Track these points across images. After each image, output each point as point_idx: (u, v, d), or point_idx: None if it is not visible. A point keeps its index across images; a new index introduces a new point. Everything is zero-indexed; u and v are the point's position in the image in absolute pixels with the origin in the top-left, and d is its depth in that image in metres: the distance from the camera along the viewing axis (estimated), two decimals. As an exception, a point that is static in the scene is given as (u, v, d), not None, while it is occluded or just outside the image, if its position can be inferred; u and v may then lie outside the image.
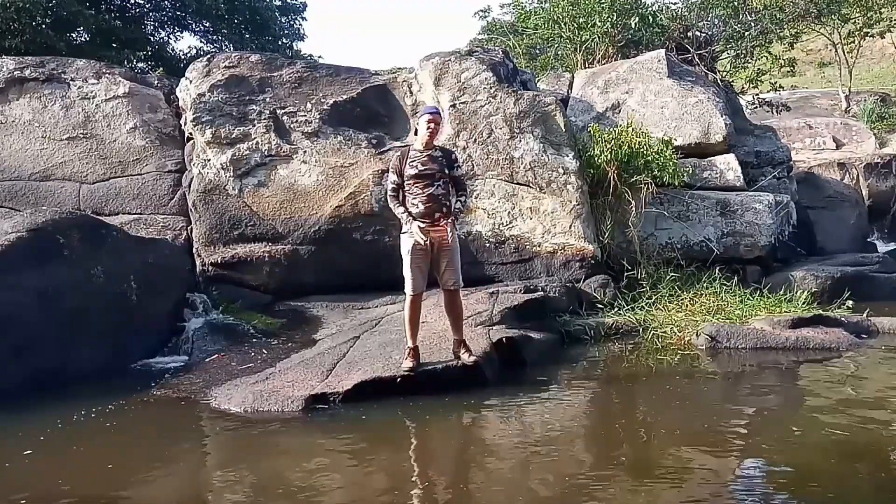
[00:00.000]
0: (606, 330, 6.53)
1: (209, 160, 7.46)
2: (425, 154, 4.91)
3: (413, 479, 3.62)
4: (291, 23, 18.47)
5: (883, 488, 3.25)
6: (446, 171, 4.93)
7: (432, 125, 4.90)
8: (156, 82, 8.32)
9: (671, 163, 7.69)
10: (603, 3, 10.77)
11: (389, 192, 4.99)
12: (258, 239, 7.32)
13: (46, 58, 8.29)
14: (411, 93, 8.04)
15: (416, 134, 5.11)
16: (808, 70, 23.61)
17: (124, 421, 4.54)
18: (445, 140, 7.42)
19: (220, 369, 5.53)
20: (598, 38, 10.77)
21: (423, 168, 4.86)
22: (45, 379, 5.07)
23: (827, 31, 18.23)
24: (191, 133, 7.68)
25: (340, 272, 7.29)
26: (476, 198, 7.50)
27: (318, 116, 7.64)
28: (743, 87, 12.87)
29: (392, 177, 4.97)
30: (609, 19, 10.62)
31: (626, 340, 6.41)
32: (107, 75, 7.99)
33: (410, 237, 4.88)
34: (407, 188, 4.91)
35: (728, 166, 8.60)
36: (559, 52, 12.49)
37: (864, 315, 6.59)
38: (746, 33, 11.56)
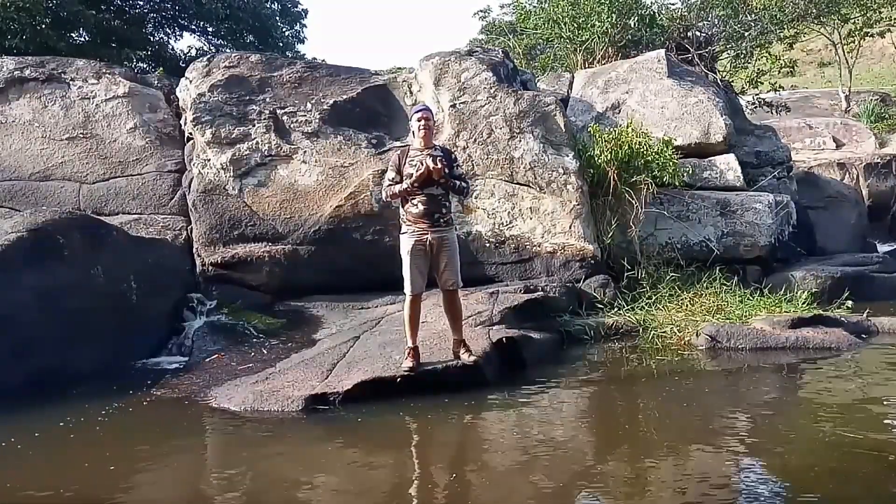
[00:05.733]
0: (606, 330, 6.53)
1: (209, 160, 7.46)
2: (425, 153, 4.91)
3: (413, 478, 3.62)
4: (292, 26, 18.45)
5: (883, 489, 3.25)
6: (446, 171, 4.93)
7: (423, 122, 4.94)
8: (156, 82, 8.31)
9: (671, 163, 7.68)
10: (603, 3, 10.77)
11: (385, 185, 5.00)
12: (258, 239, 7.32)
13: (46, 58, 8.28)
14: (411, 93, 8.04)
15: (413, 136, 5.13)
16: (808, 70, 23.61)
17: (124, 421, 4.55)
18: (445, 140, 7.43)
19: (220, 369, 5.53)
20: (598, 38, 10.76)
21: (422, 167, 4.86)
22: (45, 379, 5.08)
23: (827, 31, 18.23)
24: (191, 133, 7.67)
25: (340, 272, 7.29)
26: (476, 198, 7.50)
27: (318, 116, 7.64)
28: (743, 88, 12.87)
29: (390, 174, 4.98)
30: (609, 19, 10.62)
31: (626, 340, 6.41)
32: (107, 75, 7.99)
33: (410, 237, 4.89)
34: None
35: (728, 166, 8.60)
36: (559, 53, 12.48)
37: (864, 315, 6.59)
38: (746, 33, 11.54)
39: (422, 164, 4.83)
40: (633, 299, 7.02)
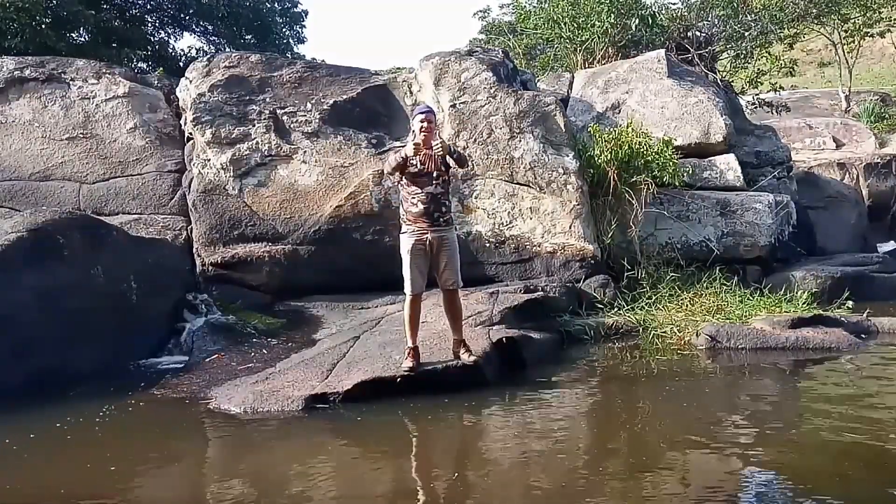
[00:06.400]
0: (606, 330, 6.53)
1: (209, 160, 7.46)
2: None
3: (413, 478, 3.63)
4: (292, 26, 18.43)
5: (883, 489, 3.25)
6: (444, 170, 4.96)
7: (426, 124, 4.93)
8: (156, 82, 8.31)
9: (671, 163, 7.69)
10: (602, 3, 10.77)
11: (387, 161, 5.05)
12: (258, 239, 7.32)
13: (46, 58, 8.29)
14: (411, 93, 8.04)
15: (414, 136, 5.13)
16: (808, 70, 23.60)
17: (124, 421, 4.54)
18: (445, 139, 7.42)
19: (220, 369, 5.53)
20: (598, 38, 10.76)
21: (422, 166, 4.89)
22: (45, 379, 5.07)
23: (827, 31, 18.23)
24: (191, 133, 7.68)
25: (340, 272, 7.29)
26: (476, 198, 7.51)
27: (318, 116, 7.64)
28: (743, 88, 12.87)
29: (394, 155, 5.00)
30: (609, 19, 10.62)
31: (626, 340, 6.41)
32: (107, 75, 7.99)
33: (410, 237, 4.90)
34: (406, 187, 4.94)
35: (728, 166, 8.60)
36: (559, 53, 12.49)
37: (864, 315, 6.59)
38: (746, 33, 11.55)
39: (421, 164, 4.88)
40: (633, 299, 7.02)
